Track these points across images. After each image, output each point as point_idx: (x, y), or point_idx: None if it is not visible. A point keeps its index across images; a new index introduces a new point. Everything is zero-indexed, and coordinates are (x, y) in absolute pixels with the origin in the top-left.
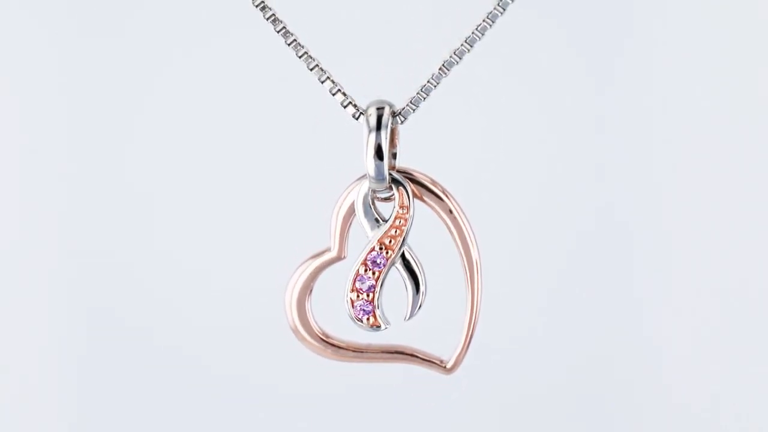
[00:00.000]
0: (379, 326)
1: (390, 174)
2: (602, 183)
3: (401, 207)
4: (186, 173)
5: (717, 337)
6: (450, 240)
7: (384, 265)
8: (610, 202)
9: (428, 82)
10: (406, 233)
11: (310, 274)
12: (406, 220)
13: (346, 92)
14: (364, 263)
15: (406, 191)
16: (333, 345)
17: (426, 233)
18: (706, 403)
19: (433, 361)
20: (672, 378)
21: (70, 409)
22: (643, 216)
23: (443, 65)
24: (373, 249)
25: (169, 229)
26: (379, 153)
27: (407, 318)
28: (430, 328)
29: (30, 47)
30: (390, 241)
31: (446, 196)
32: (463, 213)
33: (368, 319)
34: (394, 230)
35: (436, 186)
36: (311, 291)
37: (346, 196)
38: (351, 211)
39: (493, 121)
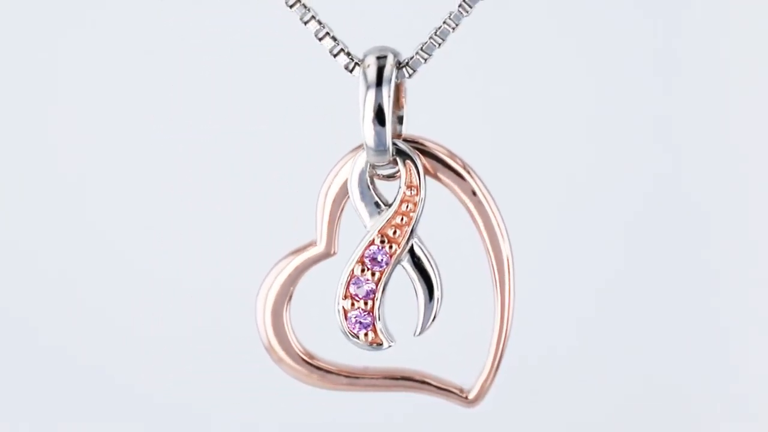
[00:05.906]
0: (380, 344)
1: (394, 144)
2: (664, 152)
3: (409, 187)
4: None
5: None
6: (473, 231)
7: (387, 264)
8: (673, 178)
9: (444, 23)
10: (416, 222)
11: (290, 275)
12: (415, 204)
13: (337, 37)
14: (361, 261)
15: (416, 166)
16: (320, 369)
17: (441, 222)
18: None
19: (451, 390)
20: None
21: None
22: (714, 191)
23: (463, 1)
24: (372, 242)
25: (110, 219)
26: (379, 116)
27: (417, 333)
28: (446, 347)
29: None
30: (395, 232)
31: (468, 172)
32: (490, 195)
33: (366, 334)
34: (401, 218)
35: (455, 160)
36: (291, 297)
37: (337, 173)
38: (343, 194)
39: (527, 78)
